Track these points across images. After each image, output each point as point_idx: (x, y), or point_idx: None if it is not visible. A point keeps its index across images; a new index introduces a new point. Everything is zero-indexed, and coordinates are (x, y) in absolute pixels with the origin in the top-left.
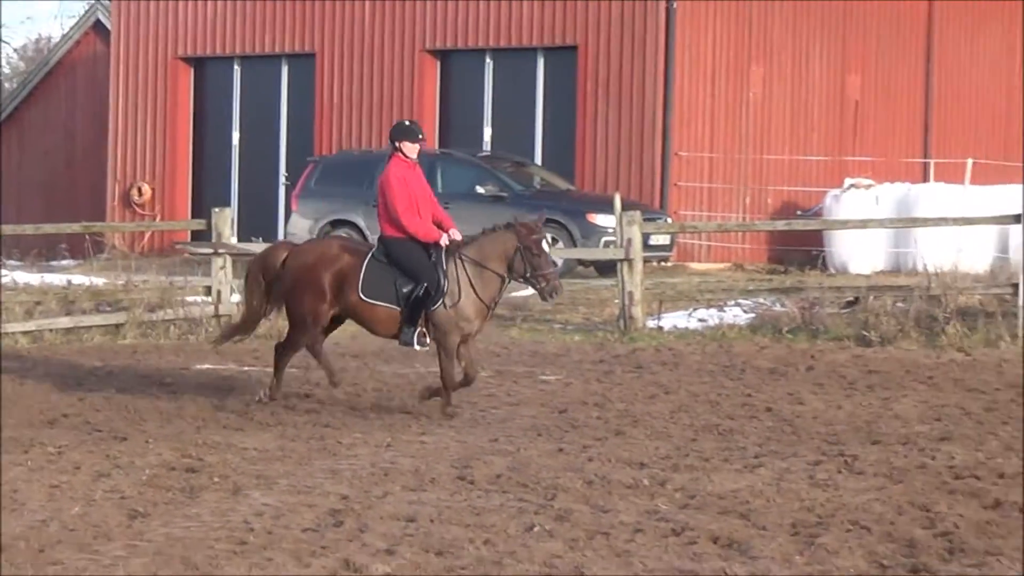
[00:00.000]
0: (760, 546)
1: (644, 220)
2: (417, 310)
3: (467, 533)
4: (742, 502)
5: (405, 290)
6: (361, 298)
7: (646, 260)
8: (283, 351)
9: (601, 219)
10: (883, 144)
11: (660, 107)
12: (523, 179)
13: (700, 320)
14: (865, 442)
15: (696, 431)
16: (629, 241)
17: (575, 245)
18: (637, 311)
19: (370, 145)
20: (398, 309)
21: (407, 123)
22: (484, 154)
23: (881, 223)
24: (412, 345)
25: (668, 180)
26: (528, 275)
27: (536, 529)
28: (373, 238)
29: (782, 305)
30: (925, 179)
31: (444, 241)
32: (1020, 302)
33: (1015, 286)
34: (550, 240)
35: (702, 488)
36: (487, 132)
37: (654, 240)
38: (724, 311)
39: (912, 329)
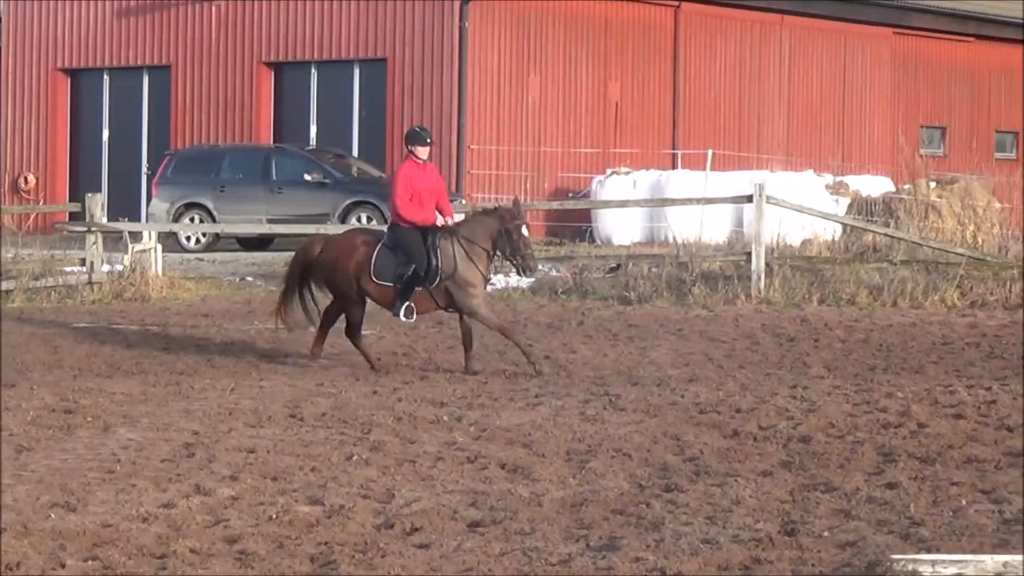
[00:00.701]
0: (540, 470)
1: None
2: (409, 287)
3: (298, 462)
4: (525, 434)
5: (400, 271)
6: (372, 280)
7: None
8: (349, 332)
9: None
10: (639, 138)
11: (455, 108)
12: (343, 168)
13: (490, 284)
14: (626, 384)
15: (487, 375)
16: None
17: (386, 223)
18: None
19: (217, 141)
20: (398, 287)
21: (417, 129)
22: (311, 148)
23: (638, 203)
24: (399, 317)
25: (463, 168)
26: (508, 254)
27: (355, 458)
28: (220, 218)
29: (557, 271)
30: (674, 167)
31: (440, 221)
32: (753, 267)
33: (748, 254)
34: (527, 224)
35: (492, 423)
36: (313, 130)
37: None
38: (509, 276)
39: (664, 290)
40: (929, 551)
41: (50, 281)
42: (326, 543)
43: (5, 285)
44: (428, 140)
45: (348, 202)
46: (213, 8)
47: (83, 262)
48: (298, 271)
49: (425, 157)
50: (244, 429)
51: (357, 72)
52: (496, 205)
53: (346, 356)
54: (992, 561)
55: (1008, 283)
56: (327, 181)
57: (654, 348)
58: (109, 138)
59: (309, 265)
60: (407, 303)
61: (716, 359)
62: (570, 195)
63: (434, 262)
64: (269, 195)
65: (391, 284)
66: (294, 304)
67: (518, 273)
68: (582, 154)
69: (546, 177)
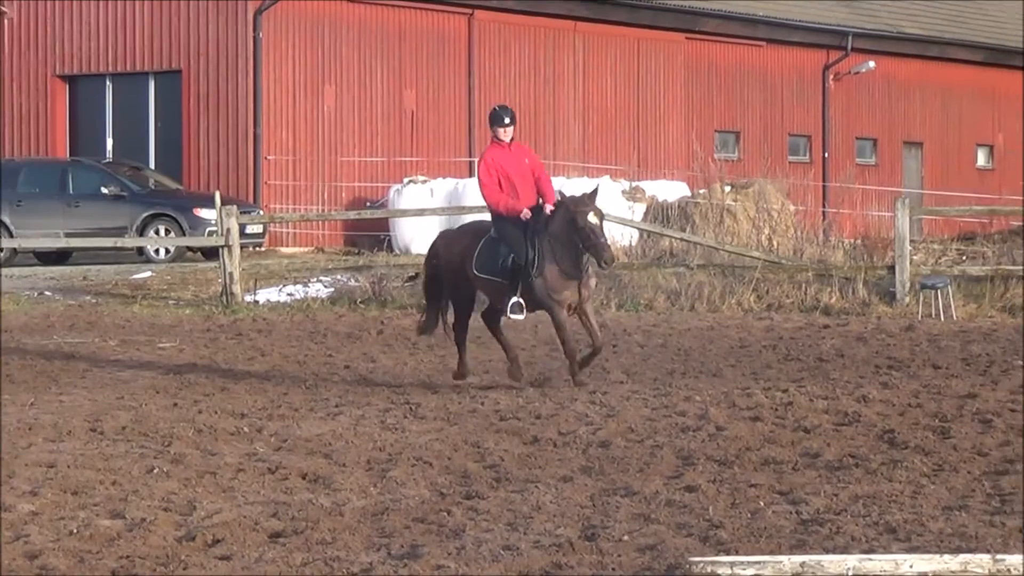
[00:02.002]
0: (341, 480)
1: (240, 213)
2: (513, 280)
3: (98, 476)
4: (325, 444)
5: (502, 263)
6: (475, 272)
7: (243, 246)
8: (455, 330)
9: (205, 213)
10: (435, 146)
11: (251, 120)
12: (140, 181)
13: (289, 294)
14: (426, 392)
15: (287, 386)
16: (228, 231)
17: (184, 235)
18: (237, 288)
19: (12, 155)
20: (503, 281)
21: (497, 109)
22: (107, 161)
23: (435, 211)
24: (506, 313)
25: (260, 179)
26: (581, 245)
27: (155, 471)
28: (17, 233)
29: (356, 280)
30: (471, 174)
31: (525, 214)
32: None
33: None
34: (598, 211)
35: (292, 433)
36: (109, 143)
37: (249, 229)
38: (308, 286)
39: None
40: (728, 553)
41: None
42: (127, 557)
43: None
44: (507, 120)
45: (146, 214)
46: (4, 20)
47: None
48: (425, 269)
49: (507, 138)
50: (44, 444)
51: (152, 84)
52: (561, 193)
53: (145, 369)
54: (789, 562)
55: (803, 285)
56: (124, 194)
57: (453, 356)
58: None
59: (431, 260)
60: (515, 299)
61: None
62: (368, 204)
63: (531, 254)
64: (66, 209)
65: (492, 278)
66: (429, 310)
67: (597, 264)
68: (379, 163)
69: (343, 187)
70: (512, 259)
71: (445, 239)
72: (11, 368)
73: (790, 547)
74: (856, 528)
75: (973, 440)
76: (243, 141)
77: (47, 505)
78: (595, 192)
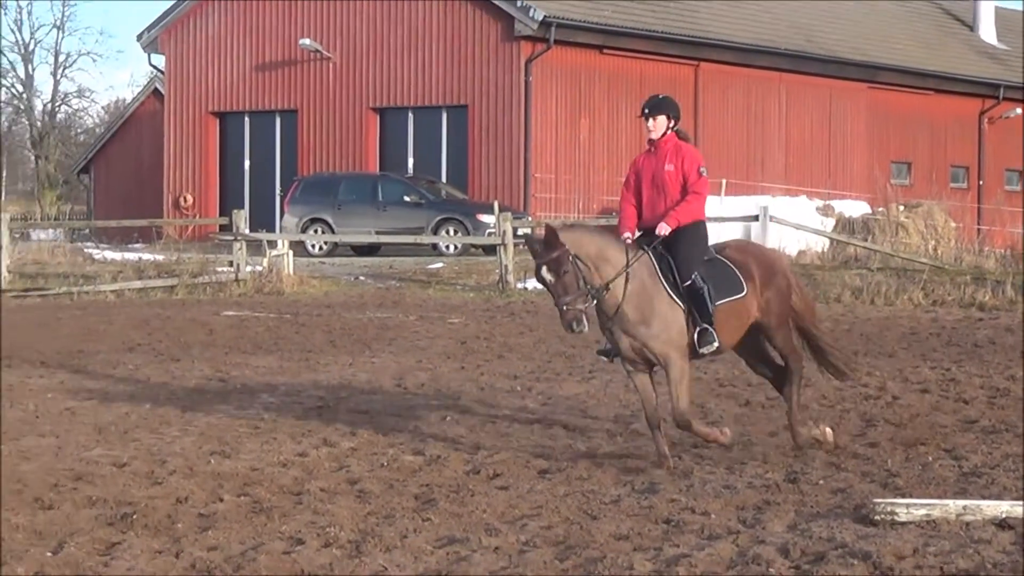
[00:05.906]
0: (594, 430)
1: (513, 218)
2: None
3: (402, 422)
4: (581, 402)
5: None
6: None
7: (515, 244)
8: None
9: (486, 218)
10: None
11: (522, 144)
12: (435, 192)
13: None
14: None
15: (551, 356)
16: (504, 232)
17: (469, 235)
18: (510, 278)
19: (335, 169)
20: None
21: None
22: (409, 176)
23: None
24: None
25: (529, 192)
26: None
27: (448, 419)
28: (338, 230)
29: None
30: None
31: (626, 238)
32: None
33: None
34: (550, 263)
35: (555, 392)
36: (410, 161)
37: (520, 231)
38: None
39: None
40: (904, 496)
41: (205, 279)
42: (427, 485)
43: (170, 282)
44: (645, 110)
45: (438, 218)
46: (330, 64)
47: (231, 264)
48: None
49: (653, 134)
50: (360, 396)
51: (444, 116)
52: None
53: (438, 339)
54: (954, 505)
55: (962, 286)
56: (422, 202)
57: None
58: (250, 167)
59: None
60: None
61: None
62: (614, 213)
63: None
64: (376, 212)
65: None
66: None
67: None
68: (622, 180)
69: (594, 199)
70: None
71: None
72: (333, 335)
73: (954, 494)
74: (1008, 480)
75: None
76: (516, 161)
77: (363, 443)
78: (548, 235)
